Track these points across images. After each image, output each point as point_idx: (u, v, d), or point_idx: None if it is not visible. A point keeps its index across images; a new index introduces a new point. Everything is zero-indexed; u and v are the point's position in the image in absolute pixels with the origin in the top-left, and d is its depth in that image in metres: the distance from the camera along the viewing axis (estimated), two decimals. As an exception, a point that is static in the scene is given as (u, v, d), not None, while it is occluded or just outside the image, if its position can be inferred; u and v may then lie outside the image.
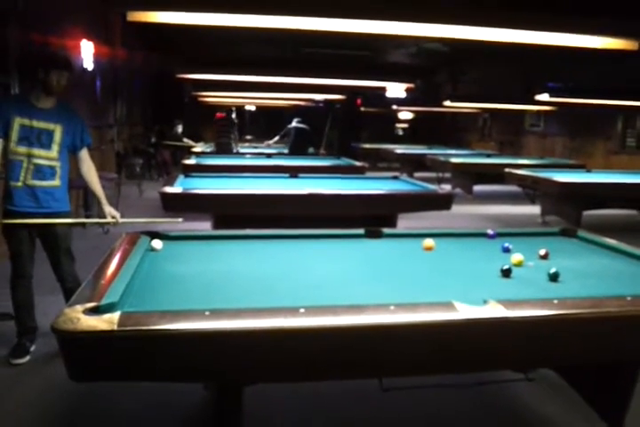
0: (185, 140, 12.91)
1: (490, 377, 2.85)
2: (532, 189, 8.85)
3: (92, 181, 3.60)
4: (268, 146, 11.73)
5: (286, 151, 10.90)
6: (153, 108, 14.34)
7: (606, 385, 2.52)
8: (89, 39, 8.08)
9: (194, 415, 2.71)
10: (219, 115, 11.47)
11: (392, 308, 1.93)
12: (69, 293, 3.04)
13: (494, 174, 9.32)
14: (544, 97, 9.05)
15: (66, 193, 3.51)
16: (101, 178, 7.09)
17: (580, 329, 2.05)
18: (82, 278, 2.14)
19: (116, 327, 1.69)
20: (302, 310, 1.87)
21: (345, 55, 12.53)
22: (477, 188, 10.54)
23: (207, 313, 1.82)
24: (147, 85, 13.88)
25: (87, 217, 7.10)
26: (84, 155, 3.59)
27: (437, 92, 16.66)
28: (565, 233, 3.49)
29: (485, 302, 2.01)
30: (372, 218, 4.97)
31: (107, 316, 1.75)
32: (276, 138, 11.23)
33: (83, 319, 1.72)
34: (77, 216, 7.10)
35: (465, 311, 1.93)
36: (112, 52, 10.03)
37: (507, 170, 8.61)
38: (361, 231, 3.34)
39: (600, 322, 2.05)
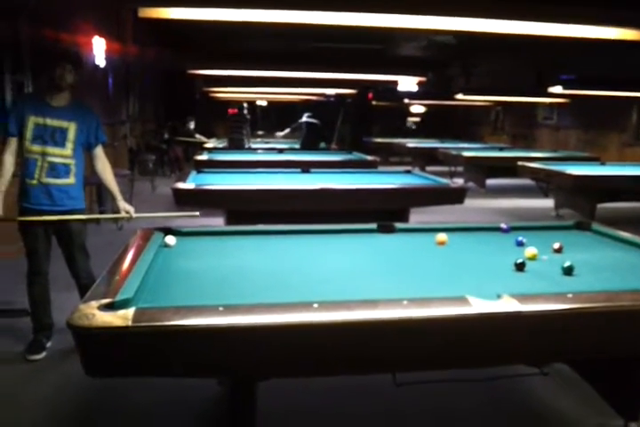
0: (197, 136, 12.95)
1: (503, 372, 2.84)
2: (546, 183, 8.79)
3: (107, 178, 3.62)
4: (279, 138, 11.70)
5: (298, 146, 10.88)
6: (165, 105, 14.38)
7: (621, 379, 2.51)
8: (101, 36, 8.11)
9: (208, 411, 2.73)
10: (231, 110, 11.48)
11: (405, 302, 1.93)
12: (84, 289, 3.07)
13: (507, 168, 9.24)
14: (557, 89, 8.97)
15: (81, 191, 3.53)
16: (115, 175, 7.16)
17: (594, 323, 2.04)
18: (96, 274, 2.16)
19: (130, 323, 1.70)
20: (316, 305, 1.87)
21: (356, 49, 12.47)
22: (490, 181, 10.48)
23: (221, 309, 1.83)
24: (158, 82, 13.92)
25: (101, 213, 7.14)
26: (99, 152, 3.61)
27: (449, 86, 16.55)
28: (580, 226, 3.47)
29: (499, 296, 2.01)
30: (384, 212, 4.97)
31: (121, 312, 1.76)
32: (287, 130, 11.21)
33: (98, 315, 1.73)
34: (91, 212, 7.15)
35: (479, 306, 1.93)
36: (124, 49, 10.06)
37: (519, 163, 8.55)
38: (373, 226, 3.33)
39: (614, 316, 2.04)
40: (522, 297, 2.00)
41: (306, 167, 6.53)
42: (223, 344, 1.82)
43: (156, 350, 1.78)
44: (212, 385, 2.72)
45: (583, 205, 7.30)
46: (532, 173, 8.34)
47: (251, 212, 4.67)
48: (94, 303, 1.82)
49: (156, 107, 13.81)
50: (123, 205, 3.58)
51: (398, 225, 3.38)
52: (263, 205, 4.75)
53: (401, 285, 2.31)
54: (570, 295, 2.05)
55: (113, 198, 3.62)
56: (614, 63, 10.61)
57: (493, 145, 13.63)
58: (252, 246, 2.95)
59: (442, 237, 3.04)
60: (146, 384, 2.81)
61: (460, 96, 12.44)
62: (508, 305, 1.95)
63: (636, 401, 2.46)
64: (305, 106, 13.97)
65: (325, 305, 1.89)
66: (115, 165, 8.90)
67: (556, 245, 2.87)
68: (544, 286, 2.29)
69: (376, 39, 11.73)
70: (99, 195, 7.36)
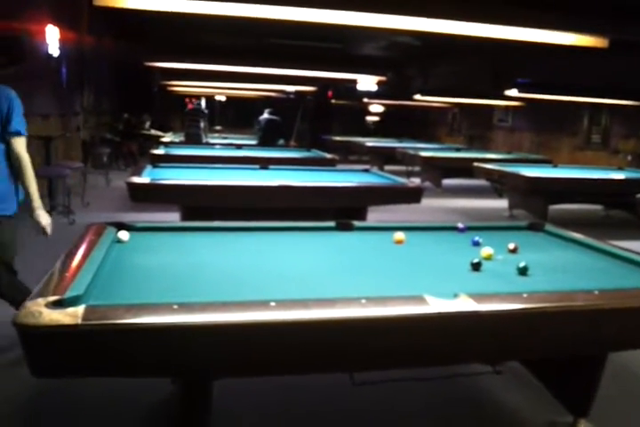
0: (153, 131, 12.75)
1: (459, 370, 2.86)
2: (500, 184, 8.94)
3: (23, 179, 3.06)
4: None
5: (256, 142, 10.82)
6: (121, 97, 14.09)
7: (572, 378, 2.56)
8: (55, 24, 7.88)
9: (161, 411, 2.67)
10: (189, 105, 11.32)
11: (363, 301, 1.92)
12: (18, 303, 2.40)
13: (463, 168, 9.38)
14: (512, 92, 9.14)
15: (8, 192, 3.06)
16: (67, 167, 6.97)
17: (548, 323, 2.06)
18: (45, 270, 2.08)
19: (80, 321, 1.64)
20: (273, 304, 1.84)
21: (316, 47, 12.47)
22: (446, 181, 10.62)
23: (175, 306, 1.78)
24: (115, 73, 13.62)
25: (52, 207, 6.95)
26: (15, 145, 3.02)
27: (408, 86, 16.71)
28: (533, 227, 3.52)
29: (456, 295, 2.02)
30: (342, 210, 4.96)
31: (71, 309, 1.69)
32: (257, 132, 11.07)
33: (45, 313, 1.66)
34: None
35: (436, 305, 1.93)
36: (79, 39, 9.81)
37: (475, 164, 8.68)
38: (332, 224, 3.32)
39: (568, 316, 2.07)
40: (478, 296, 2.02)
41: (264, 164, 6.49)
42: (177, 343, 1.77)
43: (107, 349, 1.72)
44: (165, 384, 2.66)
45: (536, 207, 7.45)
46: (487, 174, 8.48)
47: (207, 208, 4.60)
48: (42, 301, 1.74)
49: (111, 99, 13.51)
50: (38, 216, 3.10)
51: (356, 223, 3.37)
52: (220, 201, 4.69)
53: (359, 283, 2.30)
54: (525, 295, 2.08)
55: (30, 202, 3.10)
56: (570, 69, 10.89)
57: (450, 146, 13.82)
58: (208, 243, 2.90)
59: (399, 235, 3.04)
60: (97, 383, 2.72)
61: (418, 97, 12.56)
62: (464, 304, 1.96)
63: (585, 398, 2.52)
64: (265, 102, 13.89)
65: (283, 303, 1.86)
66: (67, 157, 8.72)
67: (512, 246, 2.90)
68: (500, 285, 2.31)
69: (336, 38, 11.75)
70: (50, 189, 7.15)
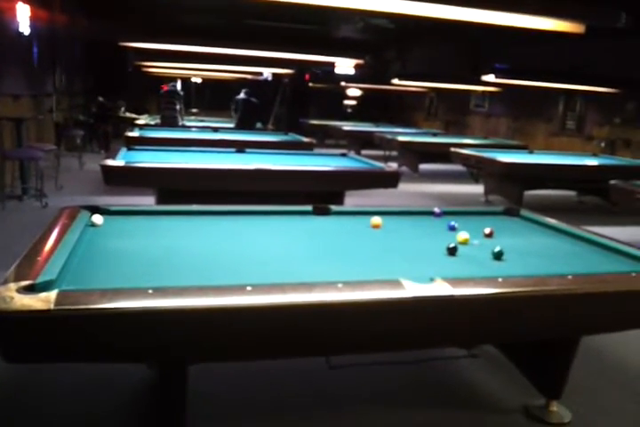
0: (127, 114, 12.57)
1: (434, 354, 2.90)
2: (476, 169, 9.00)
3: None
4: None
5: (232, 125, 10.71)
6: (95, 78, 13.83)
7: (545, 361, 2.60)
8: (25, 2, 7.67)
9: (136, 395, 2.65)
10: (164, 87, 11.14)
11: (340, 285, 1.92)
12: None
13: (440, 153, 9.42)
14: (490, 78, 9.16)
15: None
16: (40, 149, 6.84)
17: (523, 307, 2.09)
18: (18, 255, 2.04)
19: (52, 307, 1.61)
20: (249, 288, 1.83)
21: (294, 29, 12.34)
22: (423, 166, 10.66)
23: (150, 291, 1.76)
24: (88, 53, 13.35)
25: (24, 190, 6.83)
26: None
27: (386, 71, 16.66)
28: (509, 212, 3.56)
29: (432, 279, 2.03)
30: (319, 195, 4.95)
31: (43, 294, 1.66)
32: (234, 115, 10.93)
33: (17, 298, 1.63)
34: (13, 189, 6.83)
35: (412, 289, 1.94)
36: (51, 17, 9.57)
37: (452, 149, 8.71)
38: (309, 208, 3.31)
39: (543, 300, 2.10)
40: (454, 281, 2.03)
41: (241, 147, 6.43)
42: (152, 328, 1.75)
43: (81, 334, 1.70)
44: (141, 368, 2.65)
45: (511, 192, 7.52)
46: (464, 160, 8.52)
47: (183, 191, 4.55)
48: (13, 285, 1.71)
49: (84, 80, 13.26)
50: None
51: (333, 207, 3.37)
52: (196, 184, 4.64)
53: (335, 267, 2.30)
54: (500, 280, 2.10)
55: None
56: (546, 55, 10.95)
57: (427, 130, 13.85)
58: (183, 227, 2.87)
59: (376, 220, 3.05)
60: (71, 367, 2.70)
61: (395, 81, 12.53)
62: (440, 288, 1.97)
63: (557, 381, 2.56)
64: (241, 84, 13.72)
65: (259, 288, 1.85)
66: (40, 139, 8.56)
67: (487, 231, 2.92)
68: (475, 270, 2.33)
69: (313, 20, 11.64)
70: (21, 171, 7.01)
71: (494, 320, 2.10)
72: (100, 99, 12.25)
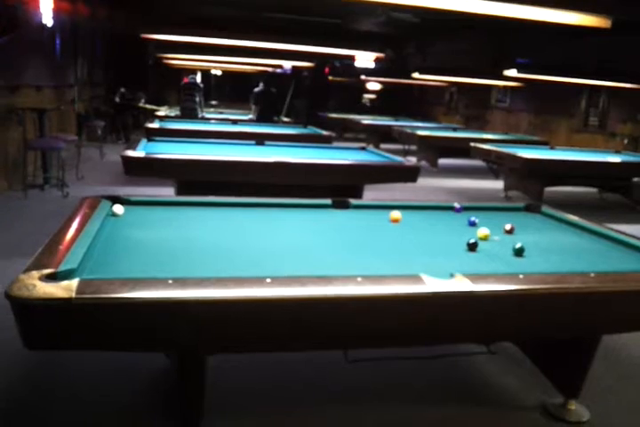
0: (148, 106, 12.64)
1: (453, 350, 2.88)
2: (496, 164, 8.92)
3: None
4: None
5: (250, 116, 10.72)
6: (116, 69, 13.90)
7: (564, 359, 2.58)
8: (48, -7, 7.71)
9: (154, 383, 2.67)
10: (185, 79, 11.17)
11: (359, 279, 1.91)
12: None
13: (459, 148, 9.34)
14: (511, 72, 9.06)
15: None
16: (61, 140, 6.90)
17: (544, 304, 2.07)
18: (40, 243, 2.06)
19: (74, 295, 1.62)
20: (269, 280, 1.84)
21: (315, 22, 12.29)
22: (442, 161, 10.59)
23: (170, 281, 1.77)
24: (110, 45, 13.41)
25: (46, 179, 6.90)
26: None
27: (406, 64, 16.54)
28: (530, 209, 3.52)
29: (452, 275, 2.01)
30: (337, 188, 4.94)
31: (64, 283, 1.68)
32: (253, 107, 10.95)
33: (39, 286, 1.65)
34: (36, 178, 6.90)
35: (432, 284, 1.93)
36: (73, 9, 9.62)
37: (472, 144, 8.63)
38: (328, 201, 3.30)
39: (564, 298, 2.07)
40: (474, 277, 2.01)
41: (260, 140, 6.43)
42: (171, 318, 1.76)
43: (101, 323, 1.71)
44: (159, 357, 2.67)
45: (532, 188, 7.45)
46: (484, 155, 8.44)
47: (202, 183, 4.57)
48: (35, 273, 1.73)
49: (106, 71, 13.33)
50: None
51: (353, 201, 3.35)
52: (216, 176, 4.66)
53: (355, 261, 2.29)
54: (521, 276, 2.07)
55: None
56: (569, 50, 10.80)
57: (447, 125, 13.75)
58: (203, 218, 2.88)
59: (396, 214, 3.03)
60: (90, 355, 2.73)
61: (416, 75, 12.44)
62: (460, 284, 1.96)
63: (577, 380, 2.54)
64: (260, 77, 13.71)
65: (278, 280, 1.85)
66: (62, 130, 8.62)
67: (508, 227, 2.90)
68: (496, 266, 2.31)
69: (335, 13, 11.58)
70: (44, 161, 7.08)
71: (514, 317, 2.08)
72: (122, 89, 12.31)
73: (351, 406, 2.59)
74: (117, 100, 12.13)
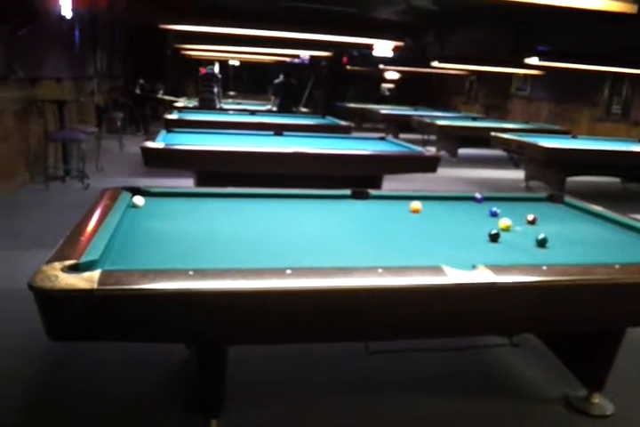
0: (166, 97, 12.69)
1: (475, 342, 2.86)
2: (517, 154, 8.82)
3: None
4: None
5: (269, 107, 10.71)
6: (134, 61, 13.95)
7: (588, 351, 2.54)
8: (67, -15, 7.73)
9: (175, 374, 2.69)
10: (203, 70, 11.18)
11: (380, 271, 1.90)
12: None
13: (479, 138, 9.25)
14: (533, 60, 8.92)
15: None
16: (81, 131, 6.95)
17: (568, 296, 2.04)
18: (61, 235, 2.07)
19: (96, 286, 1.63)
20: (289, 272, 1.83)
21: (332, 11, 12.20)
22: (462, 151, 10.50)
23: (191, 273, 1.77)
24: (128, 36, 13.45)
25: (67, 171, 6.96)
26: None
27: (425, 53, 16.38)
28: (552, 199, 3.47)
29: (474, 266, 1.99)
30: (356, 179, 4.92)
31: (86, 274, 1.69)
32: (273, 99, 10.94)
33: (61, 277, 1.66)
34: (57, 170, 6.96)
35: (454, 276, 1.91)
36: (92, 1, 9.65)
37: (492, 134, 8.54)
38: (347, 192, 3.28)
39: (588, 289, 2.04)
40: (496, 268, 1.99)
41: (279, 130, 6.42)
42: (192, 309, 1.76)
43: (123, 314, 1.72)
44: (180, 348, 2.68)
45: (553, 178, 7.35)
46: (505, 144, 8.34)
47: (222, 174, 4.57)
48: (58, 265, 1.74)
49: (125, 62, 13.38)
50: None
51: (372, 192, 3.33)
52: (235, 167, 4.65)
53: (375, 252, 2.28)
54: (544, 267, 2.04)
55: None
56: (591, 37, 10.60)
57: (467, 114, 13.61)
58: (223, 209, 2.88)
59: (416, 204, 3.01)
60: (110, 345, 2.75)
61: (435, 64, 12.31)
62: (482, 276, 1.94)
63: (601, 373, 2.50)
64: (279, 67, 13.68)
65: (299, 271, 1.84)
66: (82, 121, 8.68)
67: (530, 217, 2.86)
68: (518, 257, 2.28)
69: (353, 1, 11.49)
70: (64, 153, 7.14)
71: (537, 309, 2.05)
72: (141, 81, 12.36)
73: (371, 398, 2.58)
74: (138, 91, 12.18)
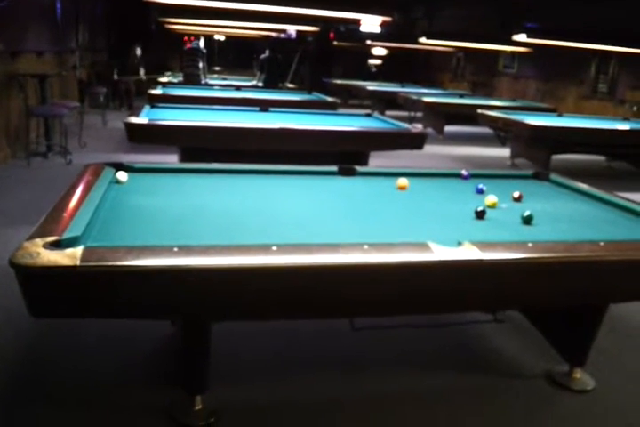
0: (141, 71, 12.35)
1: (459, 318, 2.88)
2: (504, 132, 8.81)
3: None
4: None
5: (254, 83, 10.58)
6: (117, 34, 13.67)
7: (570, 328, 2.57)
8: (47, -45, 7.54)
9: (159, 350, 2.69)
10: (188, 45, 10.99)
11: (366, 247, 1.89)
12: None
13: (466, 115, 9.23)
14: (521, 37, 8.85)
15: None
16: (63, 106, 6.82)
17: (552, 272, 2.05)
18: (43, 211, 2.04)
19: (78, 263, 1.61)
20: (275, 248, 1.81)
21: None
22: (448, 128, 10.47)
23: (176, 249, 1.75)
24: (111, 9, 13.17)
25: (49, 147, 6.85)
26: None
27: (413, 29, 16.23)
28: (538, 176, 3.48)
29: (460, 243, 1.99)
30: (342, 155, 4.90)
31: (69, 250, 1.66)
32: (258, 74, 10.81)
33: (43, 254, 1.63)
34: (38, 146, 6.85)
35: (440, 252, 1.91)
36: (73, -29, 9.42)
37: (479, 111, 8.51)
38: (334, 168, 3.27)
39: (573, 266, 2.05)
40: (482, 244, 1.99)
41: (264, 106, 6.35)
42: (177, 286, 1.75)
43: (106, 290, 1.70)
44: (164, 325, 2.68)
45: (538, 156, 7.37)
46: (491, 122, 8.33)
47: (206, 150, 4.52)
48: (39, 241, 1.71)
49: (107, 36, 13.12)
50: None
51: (359, 168, 3.32)
52: (220, 143, 4.60)
53: (361, 228, 2.27)
54: (530, 244, 2.05)
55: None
56: (579, 15, 10.54)
57: (453, 91, 13.55)
58: (208, 185, 2.85)
59: (403, 181, 3.00)
60: (94, 322, 2.74)
61: (423, 40, 12.20)
62: (468, 252, 1.94)
63: (582, 349, 2.54)
64: (264, 43, 13.50)
65: (285, 248, 1.83)
66: (64, 96, 8.53)
67: (516, 194, 2.87)
68: (504, 234, 2.29)
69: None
70: (46, 128, 7.02)
71: (522, 285, 2.06)
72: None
73: (356, 374, 2.60)
74: (116, 77, 11.90)
